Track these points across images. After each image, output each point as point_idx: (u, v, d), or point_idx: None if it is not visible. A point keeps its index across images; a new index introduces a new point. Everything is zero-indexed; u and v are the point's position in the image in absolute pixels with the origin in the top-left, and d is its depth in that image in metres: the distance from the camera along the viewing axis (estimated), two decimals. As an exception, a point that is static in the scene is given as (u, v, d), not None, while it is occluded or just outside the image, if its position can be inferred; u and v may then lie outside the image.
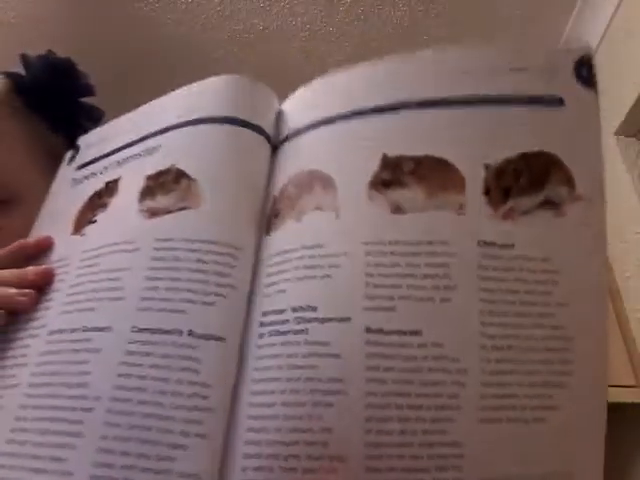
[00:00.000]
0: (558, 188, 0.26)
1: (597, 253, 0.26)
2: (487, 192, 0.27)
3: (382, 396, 0.23)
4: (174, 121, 0.34)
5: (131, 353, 0.26)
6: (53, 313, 0.30)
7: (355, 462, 0.23)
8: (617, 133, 1.28)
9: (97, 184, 0.35)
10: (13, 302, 0.31)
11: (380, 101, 0.31)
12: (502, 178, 0.27)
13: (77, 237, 0.34)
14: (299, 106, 0.35)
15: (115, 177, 0.35)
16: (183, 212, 0.30)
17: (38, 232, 0.37)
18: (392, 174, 0.28)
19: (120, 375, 0.26)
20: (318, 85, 0.35)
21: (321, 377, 0.24)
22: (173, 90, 0.37)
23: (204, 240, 0.29)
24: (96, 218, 0.33)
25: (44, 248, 0.34)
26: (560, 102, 0.28)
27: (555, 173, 0.27)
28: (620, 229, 1.15)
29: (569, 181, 0.27)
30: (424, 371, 0.23)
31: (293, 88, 0.40)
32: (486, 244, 0.26)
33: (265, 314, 0.27)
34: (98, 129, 0.41)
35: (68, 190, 0.38)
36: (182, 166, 0.32)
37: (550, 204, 0.26)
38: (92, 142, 0.40)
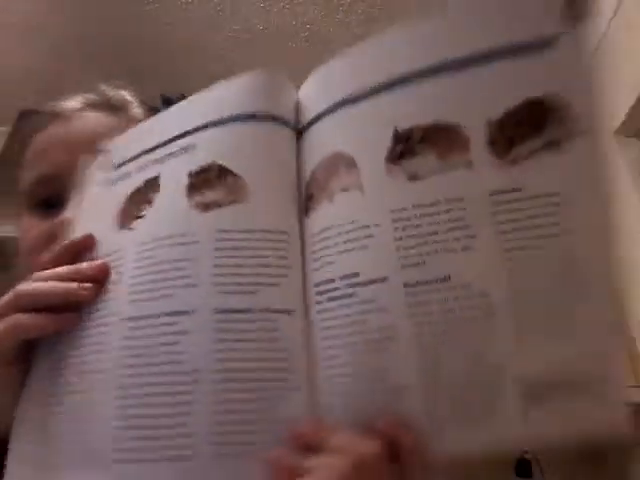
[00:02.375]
0: (557, 128, 0.28)
1: (600, 182, 0.28)
2: (492, 145, 0.29)
3: (430, 336, 0.28)
4: (204, 120, 0.36)
5: (219, 331, 0.30)
6: (120, 302, 0.33)
7: (414, 395, 0.28)
8: (617, 133, 1.28)
9: (135, 182, 0.37)
10: (77, 295, 0.33)
11: (384, 77, 0.33)
12: (504, 129, 0.29)
13: (126, 231, 0.36)
14: (314, 92, 0.37)
15: (154, 175, 0.37)
16: (235, 205, 0.33)
17: (79, 233, 0.38)
18: (404, 146, 0.31)
19: (216, 351, 0.30)
20: (328, 69, 0.36)
21: (372, 328, 0.29)
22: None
23: (260, 230, 0.33)
24: (143, 213, 0.35)
25: (89, 246, 0.37)
26: (550, 43, 0.30)
27: (552, 114, 0.29)
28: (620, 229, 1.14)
29: (566, 119, 0.28)
30: (457, 310, 0.28)
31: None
32: (497, 192, 0.29)
33: (318, 285, 0.32)
34: (127, 133, 0.42)
35: (103, 191, 0.40)
36: (223, 163, 0.34)
37: (552, 144, 0.28)
38: (122, 145, 0.42)
